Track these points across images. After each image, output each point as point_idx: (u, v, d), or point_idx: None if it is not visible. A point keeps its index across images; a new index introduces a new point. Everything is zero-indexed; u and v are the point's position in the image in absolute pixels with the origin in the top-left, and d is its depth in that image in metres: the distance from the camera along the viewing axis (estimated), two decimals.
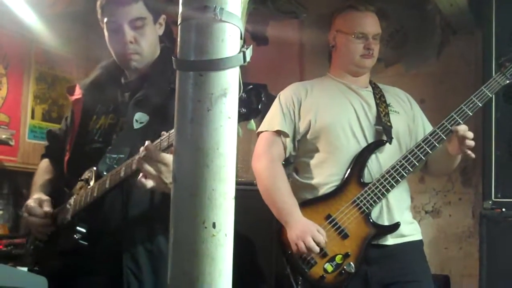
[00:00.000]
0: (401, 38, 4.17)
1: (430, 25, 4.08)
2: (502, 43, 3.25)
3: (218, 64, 1.14)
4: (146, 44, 2.19)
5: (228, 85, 1.15)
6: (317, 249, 2.48)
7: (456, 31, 4.03)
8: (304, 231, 2.49)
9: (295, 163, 2.83)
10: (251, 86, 1.44)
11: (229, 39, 1.15)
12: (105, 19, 2.18)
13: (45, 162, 2.47)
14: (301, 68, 4.45)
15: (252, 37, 4.27)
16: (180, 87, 1.16)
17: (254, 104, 1.44)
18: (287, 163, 2.97)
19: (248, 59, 1.18)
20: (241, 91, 1.22)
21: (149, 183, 1.88)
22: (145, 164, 1.85)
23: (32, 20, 3.93)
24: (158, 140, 1.87)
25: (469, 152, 2.52)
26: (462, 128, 2.50)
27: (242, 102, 1.41)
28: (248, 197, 2.74)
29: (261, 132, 2.71)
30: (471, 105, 2.57)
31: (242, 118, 1.43)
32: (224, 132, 1.12)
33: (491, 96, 2.59)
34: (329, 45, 2.82)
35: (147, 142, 1.86)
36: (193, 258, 1.08)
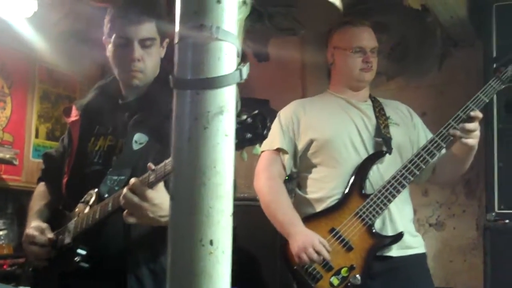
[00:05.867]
0: (402, 51, 4.18)
1: (430, 38, 4.08)
2: (502, 55, 3.25)
3: (215, 82, 1.14)
4: (151, 64, 2.19)
5: (225, 103, 1.15)
6: (318, 258, 2.48)
7: (457, 43, 4.03)
8: (306, 242, 2.50)
9: (298, 178, 2.84)
10: (256, 112, 1.47)
11: (226, 57, 1.16)
12: (114, 34, 2.17)
13: (42, 186, 2.46)
14: (303, 84, 4.46)
15: (253, 54, 4.28)
16: (177, 106, 1.17)
17: (259, 129, 1.45)
18: (291, 178, 2.98)
19: (245, 76, 1.19)
20: (238, 108, 1.23)
21: (131, 219, 1.91)
22: (126, 203, 1.88)
23: (36, 39, 3.94)
24: (146, 174, 1.87)
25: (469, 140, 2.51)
26: (458, 133, 2.50)
27: (248, 127, 1.45)
28: (251, 213, 2.75)
29: (263, 151, 2.74)
30: (468, 111, 2.57)
31: (248, 143, 1.47)
32: (221, 150, 1.13)
33: (487, 101, 2.60)
34: (327, 63, 2.85)
35: (132, 179, 1.88)
36: (191, 277, 1.08)
